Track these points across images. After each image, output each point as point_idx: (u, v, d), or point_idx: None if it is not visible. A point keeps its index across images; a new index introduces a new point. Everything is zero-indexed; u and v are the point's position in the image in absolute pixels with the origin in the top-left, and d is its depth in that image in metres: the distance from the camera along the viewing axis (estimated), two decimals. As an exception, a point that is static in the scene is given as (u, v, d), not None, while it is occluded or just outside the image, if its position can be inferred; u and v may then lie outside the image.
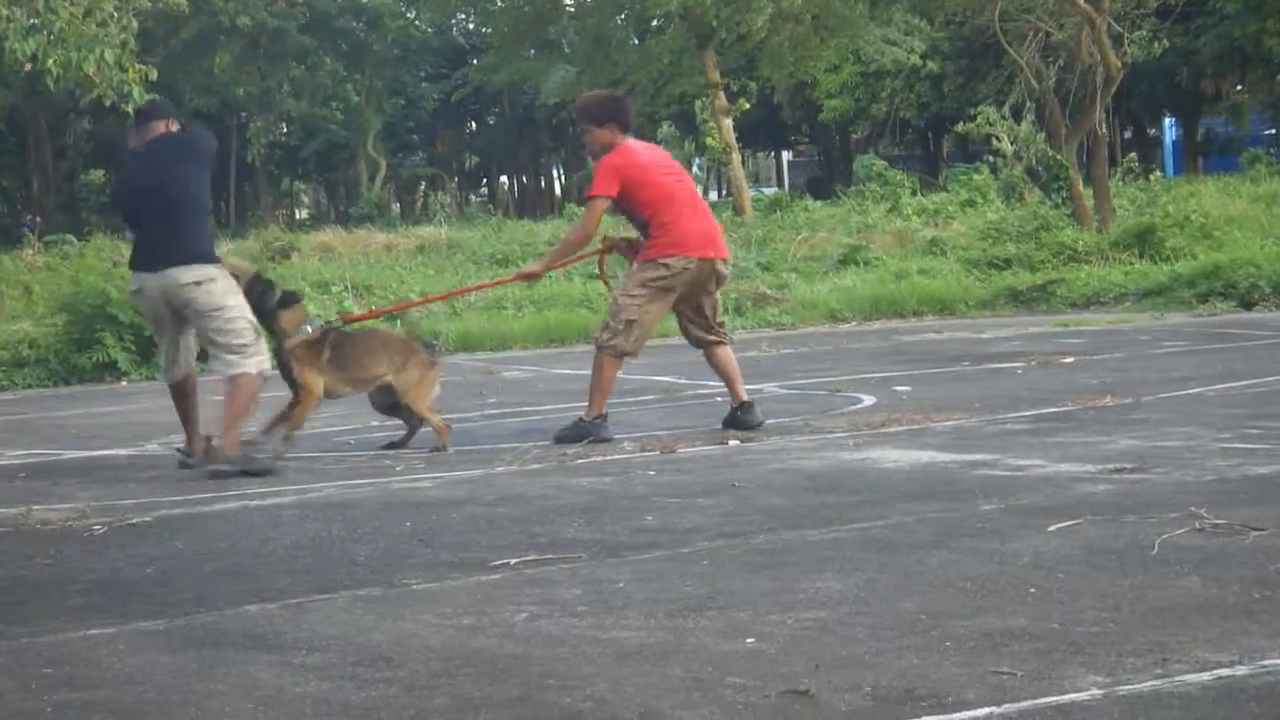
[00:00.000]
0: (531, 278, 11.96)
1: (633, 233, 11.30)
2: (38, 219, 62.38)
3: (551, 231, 34.99)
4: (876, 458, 9.41)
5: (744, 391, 11.17)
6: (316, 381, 10.59)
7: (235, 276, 10.55)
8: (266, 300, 10.61)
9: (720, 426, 11.14)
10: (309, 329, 10.74)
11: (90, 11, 18.07)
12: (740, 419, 11.04)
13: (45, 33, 17.76)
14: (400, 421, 11.04)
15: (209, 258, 10.31)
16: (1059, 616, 5.46)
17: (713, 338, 11.20)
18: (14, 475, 10.78)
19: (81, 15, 17.90)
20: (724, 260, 11.21)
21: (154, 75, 19.04)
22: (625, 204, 10.95)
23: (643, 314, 10.87)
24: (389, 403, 10.94)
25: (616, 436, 10.85)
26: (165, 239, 10.27)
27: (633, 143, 11.12)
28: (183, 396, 10.61)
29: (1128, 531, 6.82)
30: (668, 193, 10.96)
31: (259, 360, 10.23)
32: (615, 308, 10.92)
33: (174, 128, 10.60)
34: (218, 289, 10.22)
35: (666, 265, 10.85)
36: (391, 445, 10.93)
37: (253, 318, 10.28)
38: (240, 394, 10.19)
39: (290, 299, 10.77)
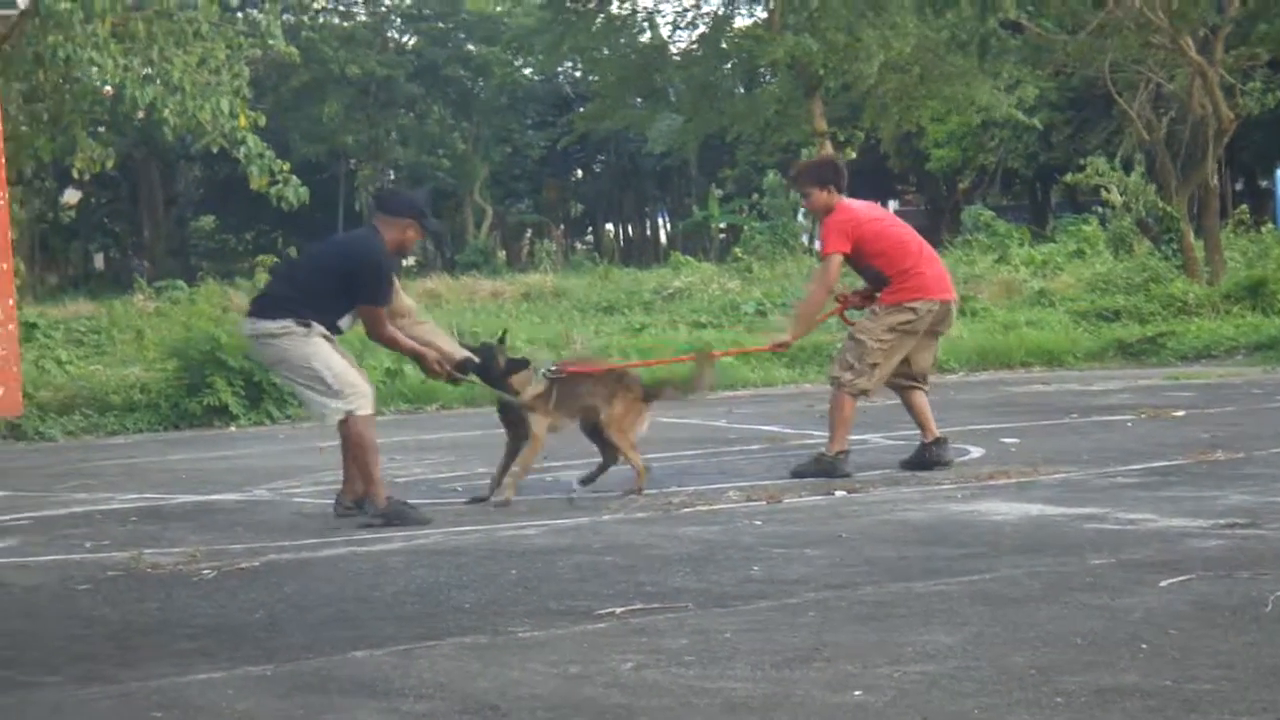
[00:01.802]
0: (784, 346, 12.40)
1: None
2: (146, 264, 63.06)
3: (657, 280, 35.02)
4: (984, 510, 9.35)
5: (935, 429, 11.58)
6: (545, 431, 10.67)
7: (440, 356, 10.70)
8: (491, 370, 10.67)
9: (899, 466, 11.52)
10: (539, 379, 10.78)
11: (204, 60, 18.31)
12: (935, 455, 11.44)
13: (159, 81, 17.98)
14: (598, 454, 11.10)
15: (277, 315, 10.18)
16: (1171, 674, 5.40)
17: (909, 383, 11.63)
18: (125, 519, 10.87)
19: (196, 64, 18.13)
20: (955, 302, 11.83)
21: (263, 121, 19.24)
22: (858, 259, 11.44)
23: (887, 358, 11.36)
24: (592, 425, 10.95)
25: (722, 486, 10.87)
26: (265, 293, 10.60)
27: (849, 200, 11.58)
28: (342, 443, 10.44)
29: (1241, 588, 6.74)
30: (901, 241, 11.53)
31: (342, 404, 10.06)
32: (860, 350, 11.34)
33: (407, 233, 10.44)
34: (277, 344, 10.16)
35: (914, 310, 11.37)
36: (585, 480, 10.93)
37: (320, 366, 10.06)
38: (348, 444, 10.17)
39: (517, 365, 10.79)
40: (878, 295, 11.52)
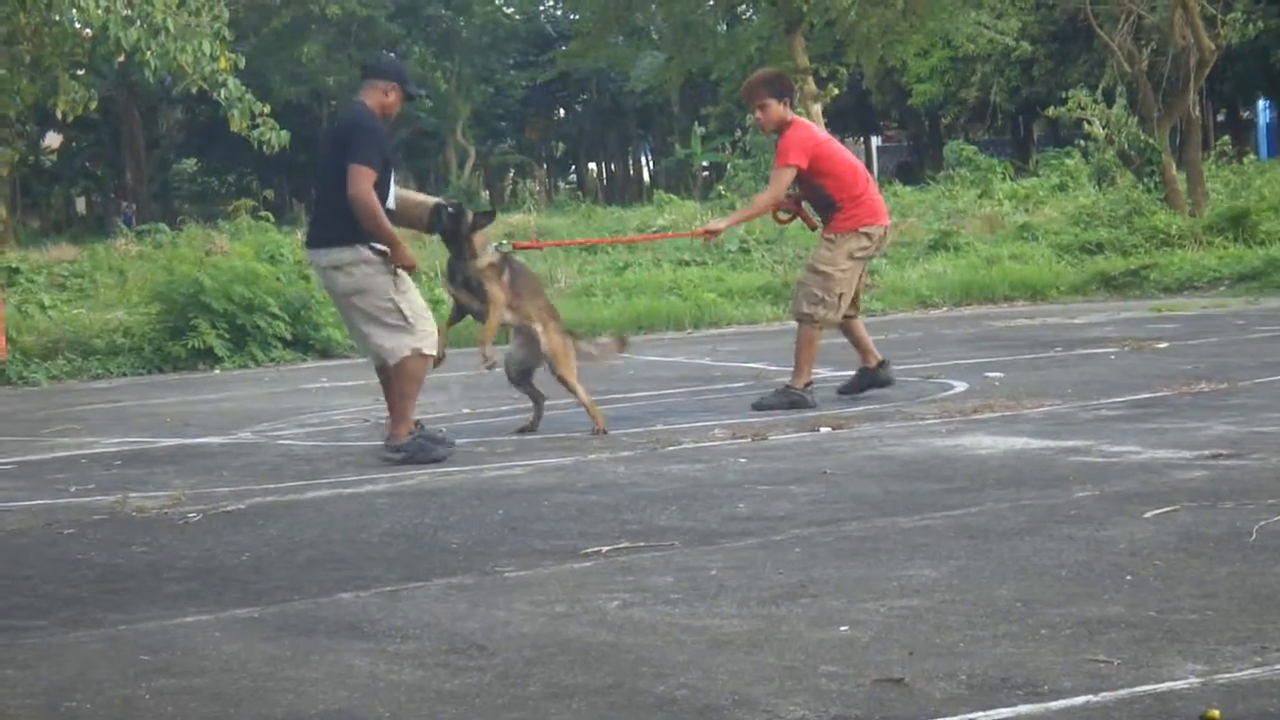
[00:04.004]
0: (713, 234, 12.63)
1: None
2: (134, 207, 62.88)
3: (641, 219, 34.97)
4: (969, 444, 9.36)
5: (876, 354, 11.96)
6: (502, 295, 10.61)
7: (414, 207, 10.69)
8: (461, 223, 10.59)
9: (837, 392, 11.90)
10: (492, 250, 10.79)
11: (184, 1, 18.19)
12: (878, 376, 11.85)
13: (141, 23, 17.88)
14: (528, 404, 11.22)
15: (344, 240, 10.02)
16: (1156, 604, 5.42)
17: (851, 311, 11.87)
18: (110, 463, 10.87)
19: (176, 5, 18.01)
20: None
21: (241, 64, 19.11)
22: (812, 177, 11.60)
23: (850, 286, 11.62)
24: (523, 371, 11.02)
25: (707, 424, 10.88)
26: (317, 218, 10.49)
27: (805, 120, 12.05)
28: (384, 381, 10.31)
29: (1225, 518, 6.77)
30: (852, 167, 11.85)
31: (413, 340, 9.99)
32: (827, 282, 11.54)
33: (389, 96, 10.23)
34: (358, 273, 10.01)
35: (869, 235, 11.68)
36: (522, 431, 10.99)
37: (400, 298, 10.00)
38: (401, 377, 10.04)
39: (484, 219, 10.78)
40: (807, 205, 11.92)
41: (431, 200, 10.85)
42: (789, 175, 11.54)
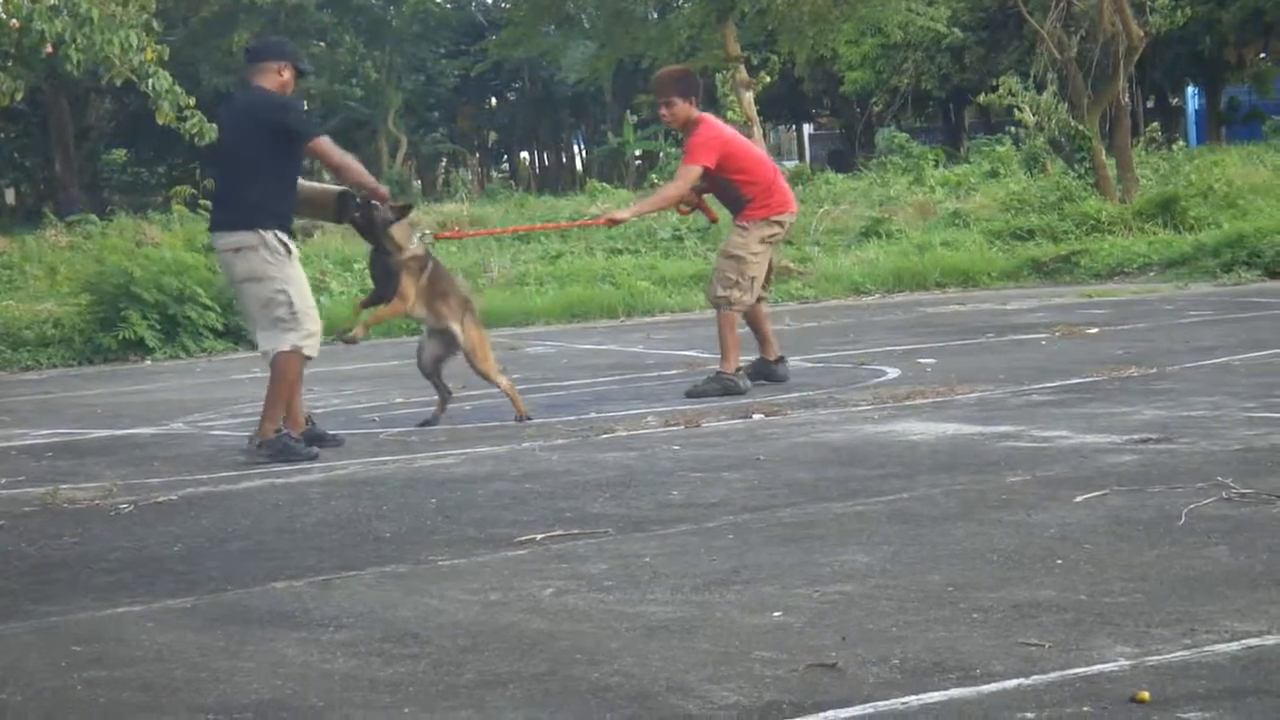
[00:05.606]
0: (616, 223, 13.52)
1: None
2: (79, 193, 62.33)
3: (574, 208, 34.94)
4: (901, 430, 9.40)
5: (776, 348, 12.14)
6: (412, 294, 10.63)
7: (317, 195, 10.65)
8: (373, 218, 10.48)
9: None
10: (415, 242, 10.76)
11: (110, -10, 18.04)
12: (774, 371, 12.06)
13: (66, 13, 17.74)
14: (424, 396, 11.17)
15: (248, 224, 9.83)
16: (1086, 588, 5.45)
17: (762, 292, 12.14)
18: (41, 455, 10.81)
19: (102, -5, 17.88)
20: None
21: (166, 55, 18.95)
22: (721, 174, 11.82)
23: (760, 269, 11.85)
24: (435, 361, 10.97)
25: (640, 411, 10.89)
26: (221, 201, 10.24)
27: (711, 117, 12.16)
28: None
29: (1154, 502, 6.81)
30: (760, 160, 12.21)
31: (295, 338, 9.77)
32: (741, 266, 11.78)
33: (284, 75, 10.18)
34: (255, 258, 9.80)
35: (779, 223, 11.95)
36: (425, 423, 10.93)
37: (294, 292, 9.79)
38: (275, 374, 9.83)
39: (401, 212, 10.68)
40: (709, 198, 12.24)
41: (335, 188, 10.73)
42: (695, 173, 11.76)
